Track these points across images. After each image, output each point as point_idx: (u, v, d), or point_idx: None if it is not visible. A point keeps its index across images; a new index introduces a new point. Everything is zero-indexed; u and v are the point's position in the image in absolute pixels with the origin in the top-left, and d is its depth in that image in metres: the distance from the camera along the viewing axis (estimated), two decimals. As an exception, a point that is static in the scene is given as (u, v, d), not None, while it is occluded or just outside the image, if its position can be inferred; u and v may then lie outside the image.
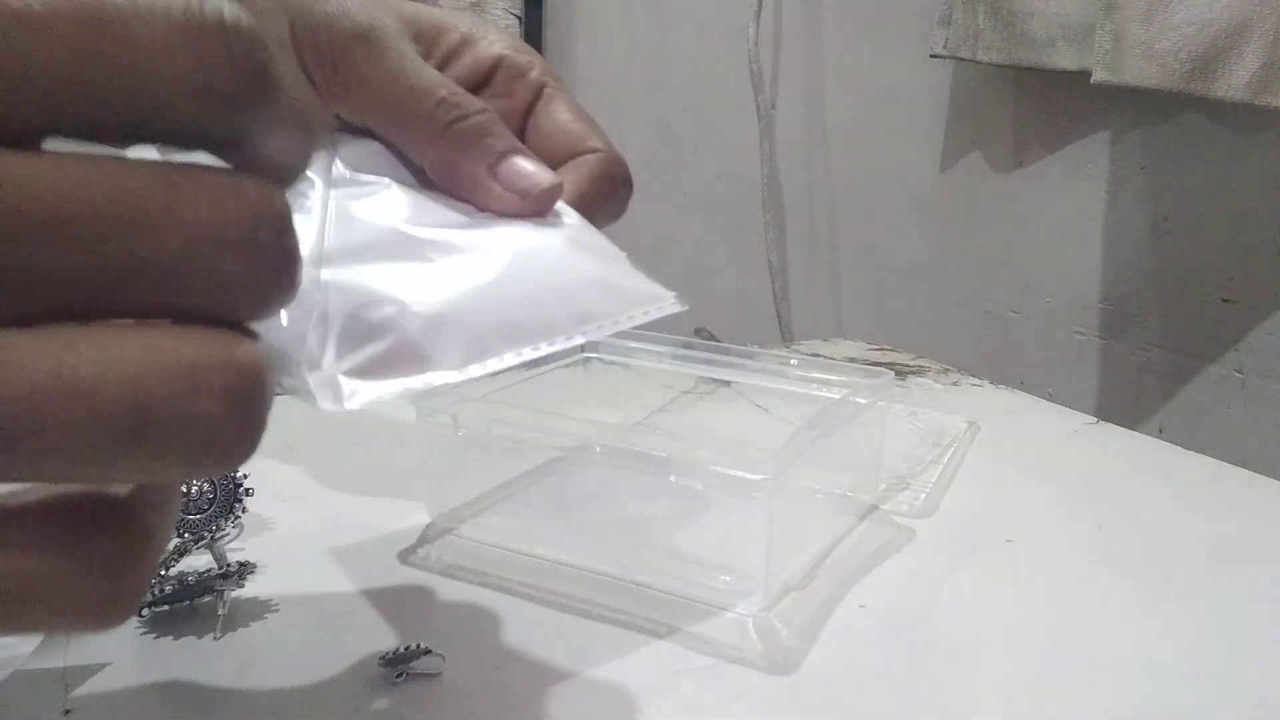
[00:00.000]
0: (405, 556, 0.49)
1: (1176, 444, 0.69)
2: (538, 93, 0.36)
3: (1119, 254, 1.11)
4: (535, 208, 0.31)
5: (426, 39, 0.34)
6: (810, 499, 0.53)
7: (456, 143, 0.31)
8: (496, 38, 0.36)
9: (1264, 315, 0.98)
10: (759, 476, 0.42)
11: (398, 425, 0.64)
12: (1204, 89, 0.91)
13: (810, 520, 0.52)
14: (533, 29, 1.77)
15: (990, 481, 0.60)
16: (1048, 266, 1.18)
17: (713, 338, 0.81)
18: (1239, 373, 1.00)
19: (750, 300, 1.49)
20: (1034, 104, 1.17)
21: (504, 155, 0.31)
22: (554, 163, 0.34)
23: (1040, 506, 0.57)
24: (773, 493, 0.42)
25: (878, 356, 0.88)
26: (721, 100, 1.49)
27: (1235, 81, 0.89)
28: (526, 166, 0.31)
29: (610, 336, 0.62)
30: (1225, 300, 1.01)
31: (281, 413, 0.18)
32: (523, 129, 0.36)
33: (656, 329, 0.64)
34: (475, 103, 0.32)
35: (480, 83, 0.35)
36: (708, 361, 0.61)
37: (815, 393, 0.56)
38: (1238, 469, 0.63)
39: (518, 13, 1.65)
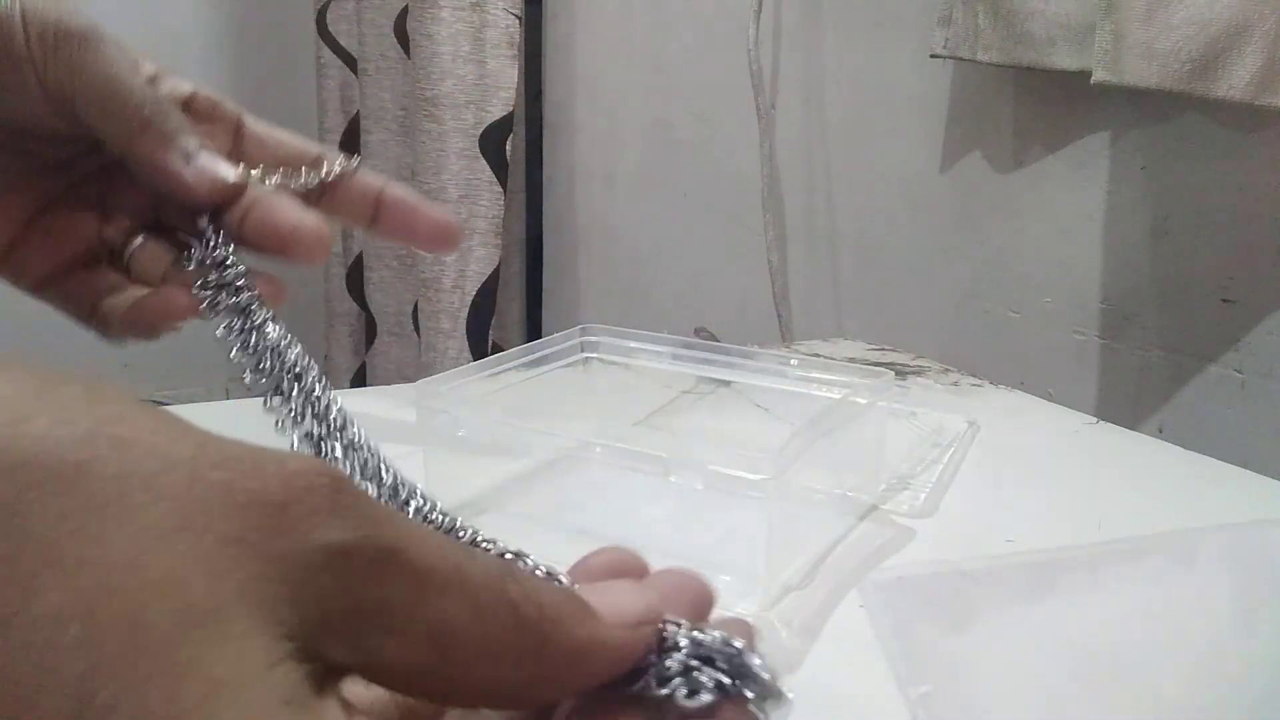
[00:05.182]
0: (405, 556, 0.48)
1: (1176, 444, 0.69)
2: (239, 118, 0.40)
3: (1119, 254, 1.11)
4: (223, 198, 0.35)
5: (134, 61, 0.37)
6: (810, 499, 0.53)
7: (158, 138, 0.35)
8: (183, 80, 0.39)
9: (1264, 315, 0.98)
10: (759, 476, 0.42)
11: (398, 425, 0.64)
12: (1204, 89, 0.91)
13: (810, 520, 0.52)
14: (533, 29, 1.77)
15: (990, 481, 0.60)
16: (1048, 266, 1.18)
17: (713, 338, 0.81)
18: (1239, 373, 1.00)
19: (750, 300, 1.49)
20: (1034, 104, 1.17)
21: (197, 152, 0.35)
22: (284, 162, 0.39)
23: (1040, 506, 0.57)
24: (773, 493, 0.42)
25: (878, 356, 0.88)
26: (721, 100, 1.49)
27: (1235, 81, 0.89)
28: (219, 162, 0.35)
29: (610, 336, 0.62)
30: (1225, 300, 1.01)
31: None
32: (238, 149, 0.39)
33: (656, 329, 0.64)
34: (176, 111, 0.36)
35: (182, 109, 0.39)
36: (708, 361, 0.61)
37: (815, 393, 0.56)
38: (1238, 469, 0.63)
39: (518, 13, 1.65)
